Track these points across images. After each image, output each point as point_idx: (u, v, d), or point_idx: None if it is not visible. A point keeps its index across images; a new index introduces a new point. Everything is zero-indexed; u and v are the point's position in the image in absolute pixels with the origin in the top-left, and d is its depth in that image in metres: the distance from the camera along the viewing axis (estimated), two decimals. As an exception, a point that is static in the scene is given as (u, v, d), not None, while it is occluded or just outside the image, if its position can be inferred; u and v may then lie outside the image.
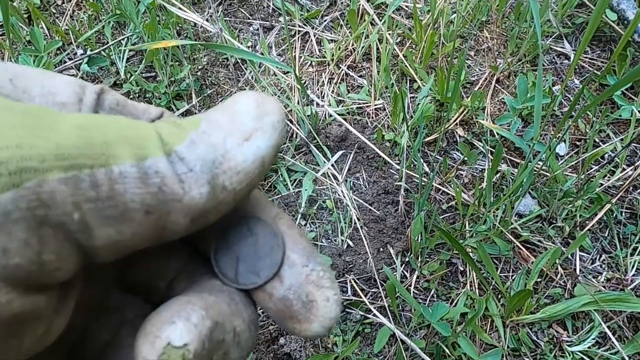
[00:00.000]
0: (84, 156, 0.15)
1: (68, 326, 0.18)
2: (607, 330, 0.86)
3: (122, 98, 0.21)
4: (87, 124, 0.16)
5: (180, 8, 1.09)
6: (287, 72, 1.14)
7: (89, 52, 1.13)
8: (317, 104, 1.10)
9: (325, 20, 1.27)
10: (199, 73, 1.16)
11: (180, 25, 1.21)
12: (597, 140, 1.08)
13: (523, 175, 0.86)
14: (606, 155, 1.06)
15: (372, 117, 1.11)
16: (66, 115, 0.16)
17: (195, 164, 0.17)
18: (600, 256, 0.96)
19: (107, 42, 1.16)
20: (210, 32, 1.21)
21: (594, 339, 0.86)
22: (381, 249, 0.94)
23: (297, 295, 0.20)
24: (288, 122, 1.08)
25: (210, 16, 1.21)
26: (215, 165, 0.18)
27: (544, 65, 1.19)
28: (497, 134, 1.06)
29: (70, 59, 1.17)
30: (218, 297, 0.20)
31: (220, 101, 1.13)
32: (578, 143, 1.09)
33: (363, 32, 1.19)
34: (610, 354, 0.85)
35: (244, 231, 0.22)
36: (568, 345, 0.86)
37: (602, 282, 0.93)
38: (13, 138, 0.15)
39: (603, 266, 0.95)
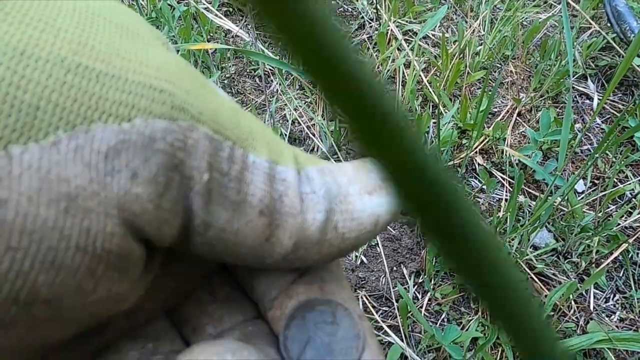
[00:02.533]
0: (231, 131, 0.16)
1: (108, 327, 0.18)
2: (619, 371, 0.84)
3: None
4: (238, 110, 0.17)
5: (217, 15, 1.12)
6: (314, 85, 1.16)
7: (121, 51, 1.16)
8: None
9: (353, 42, 1.30)
10: (225, 81, 1.18)
11: (212, 33, 1.24)
12: (615, 180, 1.08)
13: (543, 208, 0.87)
14: (625, 196, 1.06)
15: (393, 138, 1.12)
16: (222, 93, 0.17)
17: (320, 188, 0.17)
18: (615, 295, 0.95)
19: (140, 44, 1.19)
20: (241, 42, 1.24)
21: (605, 378, 0.84)
22: (394, 268, 0.94)
23: None
24: (311, 135, 1.09)
25: (246, 25, 1.24)
26: (335, 201, 0.18)
27: (565, 103, 1.20)
28: (517, 164, 1.07)
29: (101, 56, 1.19)
30: None
31: (245, 110, 1.14)
32: (596, 181, 1.09)
33: (390, 56, 1.21)
34: (621, 395, 0.83)
35: (326, 315, 0.20)
36: (578, 383, 0.85)
37: (616, 322, 0.92)
38: (185, 84, 0.15)
39: (617, 306, 0.94)
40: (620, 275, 0.97)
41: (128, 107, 0.14)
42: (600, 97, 1.20)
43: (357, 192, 0.18)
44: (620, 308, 0.94)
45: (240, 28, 1.23)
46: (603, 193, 1.04)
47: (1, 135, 0.12)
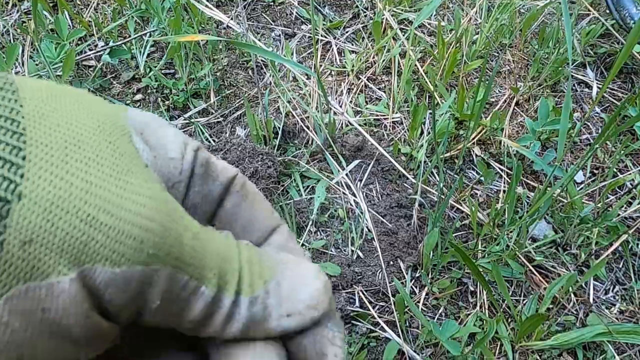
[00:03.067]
0: (191, 266, 0.20)
1: None
2: (619, 363, 0.83)
3: (209, 155, 0.25)
4: (201, 236, 0.21)
5: (207, 6, 1.09)
6: (308, 77, 1.13)
7: (110, 44, 1.13)
8: (335, 113, 1.10)
9: (347, 32, 1.27)
10: (218, 73, 1.15)
11: (203, 25, 1.21)
12: (615, 170, 1.07)
13: (542, 200, 0.85)
14: (625, 186, 1.05)
15: (389, 130, 1.10)
16: (187, 216, 0.21)
17: (245, 318, 0.21)
18: (614, 287, 0.94)
19: (130, 36, 1.16)
20: (233, 34, 1.21)
21: (605, 371, 0.83)
22: (391, 263, 0.92)
23: None
24: (305, 128, 1.07)
25: (237, 16, 1.22)
26: (255, 324, 0.22)
27: (564, 92, 1.18)
28: (515, 155, 1.05)
29: (90, 49, 1.16)
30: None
31: (238, 102, 1.12)
32: (596, 171, 1.08)
33: (385, 46, 1.19)
34: (622, 388, 0.82)
35: None
36: (578, 376, 0.84)
37: (615, 314, 0.91)
38: (156, 225, 0.19)
39: (617, 297, 0.93)
40: (620, 266, 0.96)
41: (119, 256, 0.18)
42: (600, 85, 1.18)
43: (277, 316, 0.22)
44: (620, 300, 0.93)
45: (232, 19, 1.20)
46: (603, 183, 1.02)
47: (43, 270, 0.17)
